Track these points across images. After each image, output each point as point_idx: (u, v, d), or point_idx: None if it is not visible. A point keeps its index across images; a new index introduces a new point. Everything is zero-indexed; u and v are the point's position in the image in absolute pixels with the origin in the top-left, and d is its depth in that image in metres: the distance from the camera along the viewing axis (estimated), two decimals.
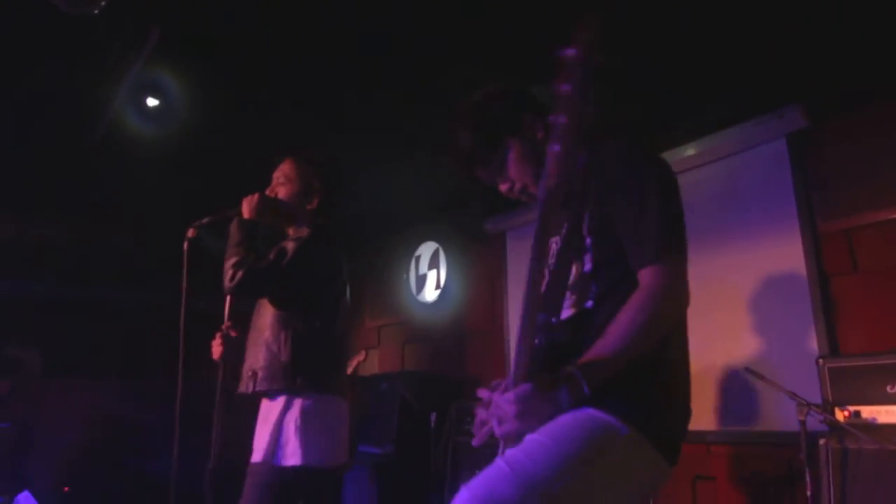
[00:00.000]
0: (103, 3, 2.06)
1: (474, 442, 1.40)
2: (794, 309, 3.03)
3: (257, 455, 2.10)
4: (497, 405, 1.22)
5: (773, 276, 3.15)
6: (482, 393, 1.39)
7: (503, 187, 1.50)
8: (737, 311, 3.23)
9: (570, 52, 1.06)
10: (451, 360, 5.02)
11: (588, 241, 1.33)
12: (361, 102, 3.39)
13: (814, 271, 2.99)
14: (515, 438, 1.21)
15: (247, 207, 2.19)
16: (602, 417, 1.19)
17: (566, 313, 1.35)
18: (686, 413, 1.34)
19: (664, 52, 2.91)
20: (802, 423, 2.47)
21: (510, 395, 1.19)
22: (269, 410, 2.14)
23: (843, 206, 2.97)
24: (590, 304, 1.33)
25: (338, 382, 2.20)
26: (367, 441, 4.50)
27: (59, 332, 6.92)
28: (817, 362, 2.60)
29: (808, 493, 2.41)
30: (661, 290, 1.23)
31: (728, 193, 3.40)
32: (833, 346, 2.88)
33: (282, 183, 2.31)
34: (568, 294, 1.35)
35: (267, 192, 2.29)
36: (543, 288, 1.30)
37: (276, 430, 2.08)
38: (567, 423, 1.18)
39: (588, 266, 1.33)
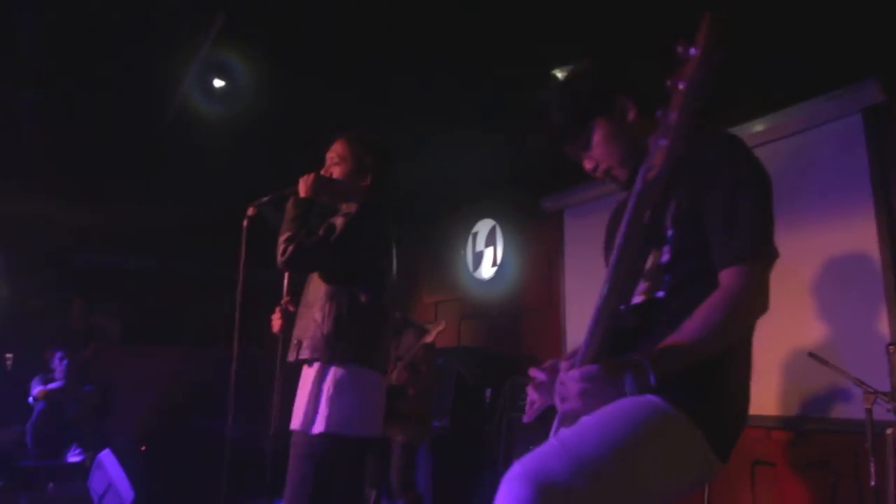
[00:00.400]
0: None
1: (525, 419, 1.44)
2: (864, 293, 2.90)
3: (295, 422, 2.18)
4: (562, 382, 1.24)
5: (842, 257, 3.02)
6: (534, 372, 1.41)
7: (588, 165, 1.49)
8: (803, 293, 3.12)
9: (692, 50, 1.03)
10: (506, 336, 5.05)
11: (670, 231, 1.31)
12: (421, 80, 3.42)
13: (887, 253, 2.85)
14: (573, 418, 1.22)
15: (303, 186, 2.26)
16: (660, 405, 1.19)
17: (636, 300, 1.34)
18: (743, 413, 1.32)
19: (733, 24, 2.80)
20: (869, 411, 2.38)
21: (576, 373, 1.21)
22: (307, 379, 2.21)
23: None
24: (661, 294, 1.31)
25: (376, 356, 2.25)
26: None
27: (138, 302, 7.34)
28: (887, 349, 2.49)
29: (873, 484, 2.34)
30: (741, 294, 1.21)
31: (798, 171, 3.26)
32: None
33: (336, 163, 2.36)
34: (640, 281, 1.34)
35: (322, 172, 2.35)
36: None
37: (311, 398, 2.15)
38: (624, 406, 1.18)
39: (666, 257, 1.31)
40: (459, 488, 4.28)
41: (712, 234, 1.27)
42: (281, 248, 2.15)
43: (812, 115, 3.18)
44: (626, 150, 1.41)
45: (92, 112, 3.85)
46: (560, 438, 1.16)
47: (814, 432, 3.01)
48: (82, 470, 4.78)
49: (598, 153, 1.44)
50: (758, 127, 3.34)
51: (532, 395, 1.43)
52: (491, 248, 5.34)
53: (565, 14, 2.79)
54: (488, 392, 4.21)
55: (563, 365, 1.30)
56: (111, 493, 3.78)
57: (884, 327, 2.81)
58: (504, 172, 4.88)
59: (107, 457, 4.00)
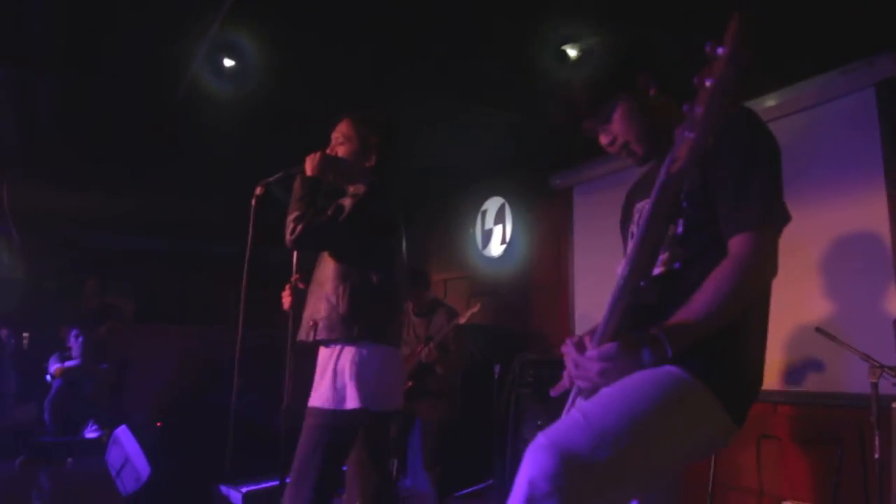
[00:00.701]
0: None
1: (553, 392, 1.45)
2: (872, 268, 2.90)
3: (316, 400, 2.22)
4: (577, 364, 1.28)
5: (852, 233, 3.02)
6: (565, 350, 1.41)
7: (604, 140, 1.50)
8: (811, 269, 3.13)
9: (720, 49, 1.03)
10: (515, 314, 5.08)
11: (684, 204, 1.33)
12: (431, 59, 3.41)
13: None
14: (593, 391, 1.26)
15: (309, 165, 2.28)
16: (678, 374, 1.22)
17: (654, 271, 1.35)
18: (759, 379, 1.35)
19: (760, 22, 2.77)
20: (875, 385, 2.41)
21: (594, 353, 1.24)
22: (328, 358, 2.25)
23: None
24: (678, 265, 1.34)
25: (392, 332, 2.30)
26: None
27: (151, 282, 7.42)
28: (894, 324, 2.50)
29: (877, 457, 2.37)
30: (749, 261, 1.23)
31: (809, 146, 3.24)
32: None
33: (341, 142, 2.38)
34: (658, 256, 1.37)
35: (327, 152, 2.36)
36: (632, 246, 1.32)
37: (334, 376, 2.19)
38: (645, 378, 1.21)
39: (680, 228, 1.34)
40: (469, 462, 4.35)
41: (721, 203, 1.29)
42: (290, 227, 2.18)
43: (824, 89, 3.15)
44: (644, 127, 1.43)
45: (102, 94, 3.87)
46: (583, 411, 1.19)
47: (819, 406, 3.03)
48: (99, 445, 4.88)
49: (616, 128, 1.46)
50: (769, 102, 3.32)
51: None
52: (500, 226, 5.36)
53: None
54: (497, 368, 4.25)
55: (586, 341, 1.31)
56: (128, 467, 3.88)
57: (891, 302, 2.82)
58: (513, 150, 4.87)
59: (123, 433, 4.09)
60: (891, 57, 2.87)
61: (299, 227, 2.16)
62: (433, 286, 6.13)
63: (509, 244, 5.22)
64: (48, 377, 5.63)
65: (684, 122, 1.09)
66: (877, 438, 2.36)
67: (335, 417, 2.14)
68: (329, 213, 2.21)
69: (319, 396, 2.21)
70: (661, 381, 1.21)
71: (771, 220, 1.26)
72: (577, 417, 1.18)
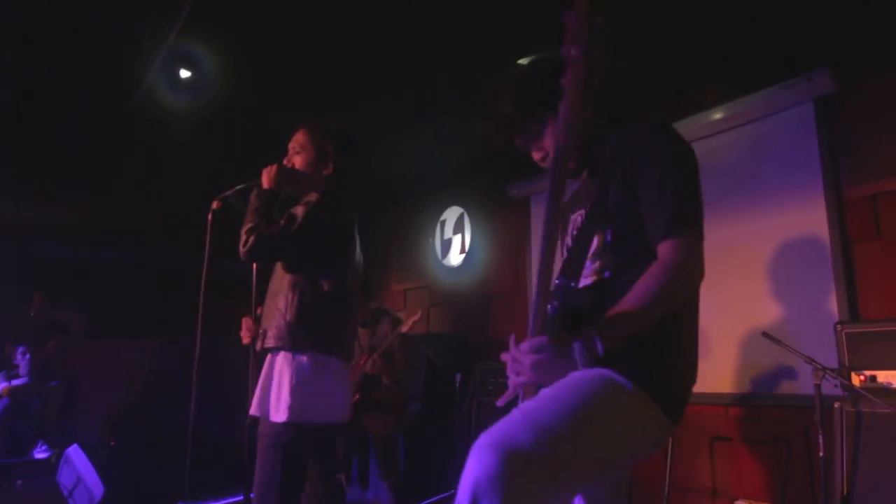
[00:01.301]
0: None
1: (498, 402, 1.49)
2: (814, 274, 3.04)
3: (254, 409, 2.20)
4: (514, 359, 1.31)
5: (795, 241, 3.16)
6: (504, 356, 1.48)
7: (537, 156, 1.55)
8: (757, 275, 3.25)
9: (571, 14, 1.12)
10: (475, 322, 5.12)
11: (612, 214, 1.39)
12: (387, 69, 3.43)
13: (836, 237, 2.99)
14: (532, 391, 1.30)
15: (266, 178, 2.27)
16: (610, 375, 1.27)
17: (586, 281, 1.42)
18: (691, 377, 1.41)
19: (691, 15, 2.88)
20: (818, 386, 2.52)
21: (525, 344, 1.28)
22: (271, 366, 2.24)
23: (869, 171, 2.95)
24: (608, 274, 1.40)
25: (340, 343, 2.28)
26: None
27: (100, 295, 7.20)
28: (835, 327, 2.63)
29: (821, 455, 2.47)
30: (676, 264, 1.30)
31: (754, 157, 3.38)
32: (853, 312, 2.89)
33: (297, 152, 2.38)
34: (588, 263, 1.42)
35: (284, 162, 2.36)
36: (565, 254, 1.37)
37: (274, 386, 2.17)
38: (579, 378, 1.26)
39: (609, 237, 1.40)
40: (432, 471, 4.36)
41: (645, 212, 1.36)
42: (243, 238, 2.17)
43: (768, 103, 3.29)
44: (575, 142, 1.47)
45: (54, 103, 3.77)
46: (521, 409, 1.23)
47: (768, 408, 3.15)
48: (49, 466, 4.71)
49: (547, 144, 1.50)
50: (716, 115, 3.45)
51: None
52: (459, 236, 5.40)
53: (531, 4, 2.83)
54: (458, 377, 4.28)
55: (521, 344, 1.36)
56: (81, 487, 3.76)
57: (832, 307, 2.95)
58: (471, 161, 4.92)
59: (75, 452, 3.97)
60: (828, 73, 3.02)
61: (251, 239, 2.15)
62: (393, 296, 6.14)
63: (468, 253, 5.27)
64: None
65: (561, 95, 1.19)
66: (821, 437, 2.47)
67: (281, 432, 2.12)
68: (281, 222, 2.20)
69: (260, 406, 2.19)
70: (595, 381, 1.26)
71: (692, 223, 1.33)
72: (516, 416, 1.21)
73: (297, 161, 2.38)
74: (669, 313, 1.32)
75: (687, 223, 1.32)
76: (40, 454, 5.13)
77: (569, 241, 1.55)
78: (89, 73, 3.29)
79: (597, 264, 1.42)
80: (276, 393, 2.16)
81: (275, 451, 2.11)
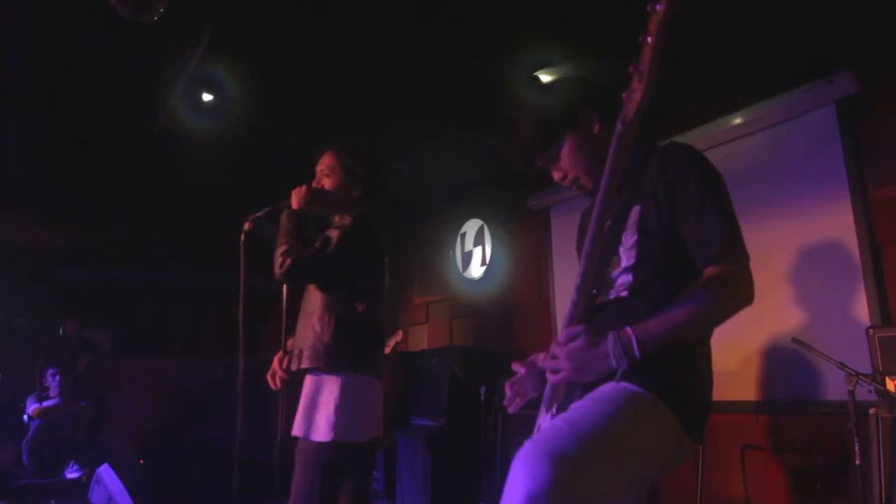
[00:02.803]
0: (161, 10, 2.19)
1: (510, 410, 1.54)
2: (843, 278, 3.00)
3: (297, 430, 2.22)
4: (553, 353, 1.32)
5: (822, 245, 3.12)
6: (516, 366, 1.51)
7: (556, 176, 1.57)
8: (785, 281, 3.21)
9: (658, 5, 1.14)
10: (498, 334, 5.11)
11: (635, 236, 1.40)
12: (408, 85, 3.46)
13: (865, 240, 2.95)
14: (561, 397, 1.33)
15: (296, 199, 2.30)
16: (640, 391, 1.28)
17: (605, 297, 1.43)
18: (709, 397, 1.43)
19: (711, 19, 2.88)
20: (852, 392, 2.47)
21: (563, 335, 1.30)
22: (310, 387, 2.26)
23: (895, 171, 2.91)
24: (625, 293, 1.41)
25: (375, 363, 2.31)
26: (420, 413, 4.66)
27: (127, 315, 7.32)
28: (867, 332, 2.59)
29: (858, 463, 2.42)
30: (733, 280, 1.30)
31: (776, 162, 3.35)
32: (885, 316, 2.84)
33: (326, 175, 2.39)
34: (609, 279, 1.43)
35: (313, 185, 2.38)
36: (583, 263, 1.38)
37: (314, 406, 2.20)
38: (608, 391, 1.28)
39: (631, 260, 1.40)
40: (456, 486, 4.34)
41: (690, 239, 1.35)
42: (278, 261, 2.19)
43: (788, 107, 3.27)
44: (591, 161, 1.49)
45: (77, 128, 3.86)
46: (564, 420, 1.24)
47: (800, 415, 3.10)
48: (81, 486, 4.77)
49: (565, 164, 1.53)
50: (736, 120, 3.43)
51: (508, 389, 1.53)
52: (479, 248, 5.40)
53: (549, 18, 2.85)
54: (482, 390, 4.27)
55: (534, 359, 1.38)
56: None
57: (863, 311, 2.90)
58: (490, 173, 4.94)
59: (106, 471, 4.01)
60: (849, 75, 2.99)
61: (288, 261, 2.17)
62: (415, 309, 6.16)
63: (489, 265, 5.27)
64: (25, 417, 5.50)
65: (630, 82, 1.20)
66: (856, 445, 2.42)
67: (314, 449, 2.14)
68: (317, 245, 2.23)
69: (302, 426, 2.22)
70: (623, 394, 1.27)
71: (743, 249, 1.33)
72: (559, 425, 1.22)
73: (326, 183, 2.39)
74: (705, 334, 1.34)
75: (738, 247, 1.32)
76: (72, 474, 5.21)
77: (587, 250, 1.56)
78: (114, 99, 3.37)
79: (613, 285, 1.43)
80: (318, 413, 2.19)
81: (314, 469, 2.13)
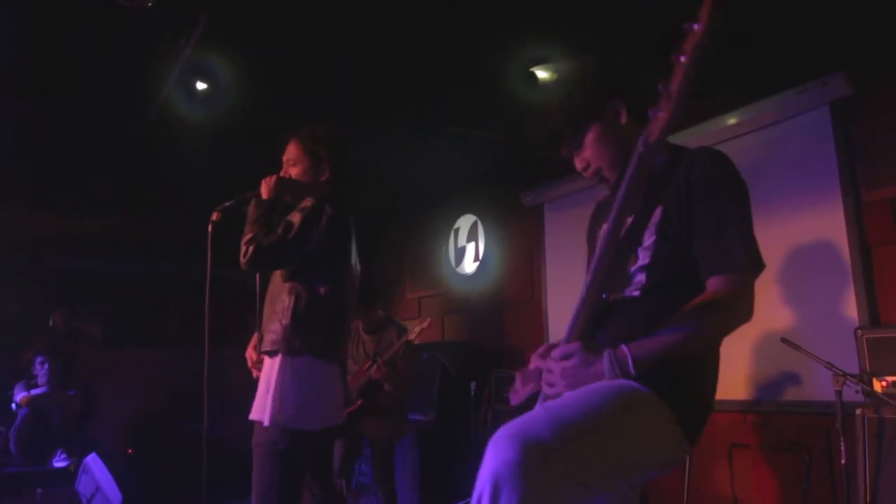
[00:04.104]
0: None
1: (513, 401, 1.50)
2: (833, 279, 3.01)
3: (253, 413, 2.21)
4: (549, 369, 1.32)
5: (812, 245, 3.13)
6: (533, 359, 1.45)
7: (579, 165, 1.55)
8: (775, 281, 3.23)
9: (696, 25, 1.09)
10: (489, 330, 5.12)
11: (652, 237, 1.38)
12: (402, 80, 3.45)
13: (855, 241, 2.96)
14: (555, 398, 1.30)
15: (265, 188, 2.31)
16: (638, 387, 1.27)
17: (614, 297, 1.41)
18: (711, 401, 1.41)
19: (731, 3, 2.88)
20: (839, 392, 2.48)
21: (557, 351, 1.30)
22: (267, 370, 2.25)
23: (887, 174, 2.92)
24: (637, 293, 1.39)
25: (334, 347, 2.29)
26: (410, 408, 4.66)
27: (116, 305, 7.29)
28: (855, 333, 2.60)
29: (843, 462, 2.44)
30: (729, 301, 1.29)
31: (769, 162, 3.36)
32: (874, 317, 2.86)
33: (292, 164, 2.40)
34: (620, 279, 1.42)
35: (281, 174, 2.39)
36: (594, 265, 1.36)
37: (268, 389, 2.18)
38: (604, 384, 1.27)
39: (645, 260, 1.39)
40: (446, 480, 4.35)
41: (702, 245, 1.33)
42: (243, 249, 2.20)
43: (782, 108, 3.27)
44: (616, 152, 1.47)
45: (71, 117, 3.83)
46: (544, 406, 1.24)
47: (787, 415, 3.12)
48: (68, 475, 4.75)
49: (589, 154, 1.50)
50: (731, 120, 3.44)
51: (518, 381, 1.50)
52: (473, 244, 5.40)
53: (544, 14, 2.85)
54: (473, 385, 4.27)
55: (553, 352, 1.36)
56: (99, 496, 3.79)
57: (852, 312, 2.92)
58: (484, 168, 4.94)
59: (93, 460, 4.00)
60: (843, 77, 3.00)
61: (251, 249, 2.18)
62: (407, 304, 6.16)
63: (482, 261, 5.27)
64: (13, 406, 5.48)
65: (658, 102, 1.14)
66: (842, 444, 2.44)
67: (278, 440, 2.12)
68: (279, 231, 2.22)
69: (256, 409, 2.21)
70: (620, 388, 1.26)
71: (753, 265, 1.32)
72: (538, 411, 1.22)
73: (293, 172, 2.40)
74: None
75: (749, 262, 1.31)
76: (59, 463, 5.18)
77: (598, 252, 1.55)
78: (108, 87, 3.34)
79: (626, 283, 1.41)
80: (272, 397, 2.16)
81: (272, 460, 2.12)
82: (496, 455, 1.11)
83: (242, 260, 2.20)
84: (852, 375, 2.49)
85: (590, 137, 1.49)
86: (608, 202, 1.65)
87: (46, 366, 5.53)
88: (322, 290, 2.25)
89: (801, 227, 3.17)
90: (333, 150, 2.42)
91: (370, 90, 3.57)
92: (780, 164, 3.32)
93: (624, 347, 1.25)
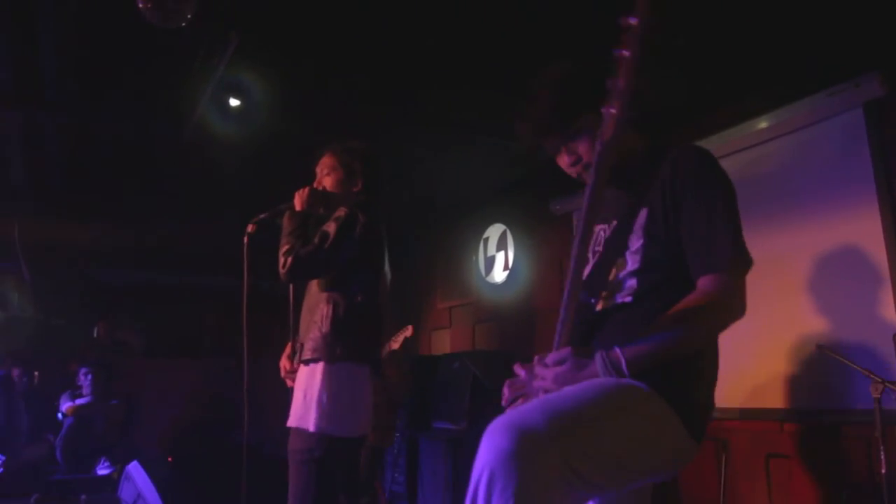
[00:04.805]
0: (189, 17, 2.26)
1: (504, 402, 1.48)
2: (869, 284, 2.94)
3: (291, 420, 2.26)
4: (539, 377, 1.31)
5: (848, 249, 3.06)
6: (517, 368, 1.46)
7: (567, 160, 1.48)
8: (811, 286, 3.16)
9: (633, 19, 1.08)
10: (520, 339, 5.11)
11: (641, 240, 1.36)
12: (430, 92, 3.51)
13: (892, 244, 2.88)
14: None
15: (298, 200, 2.38)
16: (635, 383, 1.26)
17: (606, 304, 1.41)
18: (712, 397, 1.39)
19: (736, 23, 2.86)
20: (877, 400, 2.43)
21: (550, 358, 1.29)
22: (305, 377, 2.29)
23: None
24: (629, 299, 1.38)
25: (373, 353, 2.35)
26: (441, 417, 4.68)
27: (159, 316, 7.48)
28: (894, 338, 2.54)
29: (883, 472, 2.38)
30: (721, 300, 1.28)
31: (802, 167, 3.30)
32: None
33: (326, 174, 2.48)
34: (610, 285, 1.41)
35: (314, 185, 2.46)
36: (589, 268, 1.37)
37: (307, 395, 2.22)
38: (602, 380, 1.26)
39: (636, 264, 1.37)
40: None
41: (691, 244, 1.32)
42: (281, 261, 2.25)
43: (815, 110, 3.21)
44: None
45: (109, 132, 3.98)
46: (540, 398, 1.24)
47: (826, 423, 3.04)
48: (111, 482, 4.89)
49: (582, 148, 1.44)
50: (762, 124, 3.39)
51: (506, 390, 1.48)
52: (502, 252, 5.41)
53: (571, 24, 2.86)
54: None
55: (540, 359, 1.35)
56: (141, 502, 3.89)
57: (890, 317, 2.84)
58: (513, 177, 4.96)
59: (135, 468, 4.11)
60: (876, 77, 2.94)
61: (289, 260, 2.23)
62: (438, 314, 6.19)
63: (512, 270, 5.27)
64: (59, 415, 5.67)
65: (608, 98, 1.13)
66: (882, 453, 2.38)
67: (315, 447, 2.16)
68: (315, 241, 2.28)
69: (294, 416, 2.25)
70: (617, 383, 1.24)
71: (742, 262, 1.30)
72: (533, 402, 1.21)
73: (327, 182, 2.48)
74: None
75: (736, 260, 1.30)
76: (103, 470, 5.34)
77: (590, 255, 1.51)
78: (145, 103, 3.47)
79: (616, 290, 1.39)
80: (316, 403, 2.20)
81: (308, 468, 2.16)
82: (490, 445, 1.09)
83: (282, 271, 2.25)
84: (891, 382, 2.43)
85: (583, 127, 1.42)
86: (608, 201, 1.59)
87: (90, 376, 5.71)
88: (359, 298, 2.31)
89: (836, 232, 3.10)
90: (367, 163, 2.49)
91: (398, 102, 3.63)
92: (812, 168, 3.26)
93: (617, 349, 1.24)
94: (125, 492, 4.11)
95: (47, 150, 4.22)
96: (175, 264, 7.37)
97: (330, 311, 2.27)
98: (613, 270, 1.40)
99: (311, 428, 2.17)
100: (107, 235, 6.34)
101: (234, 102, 3.23)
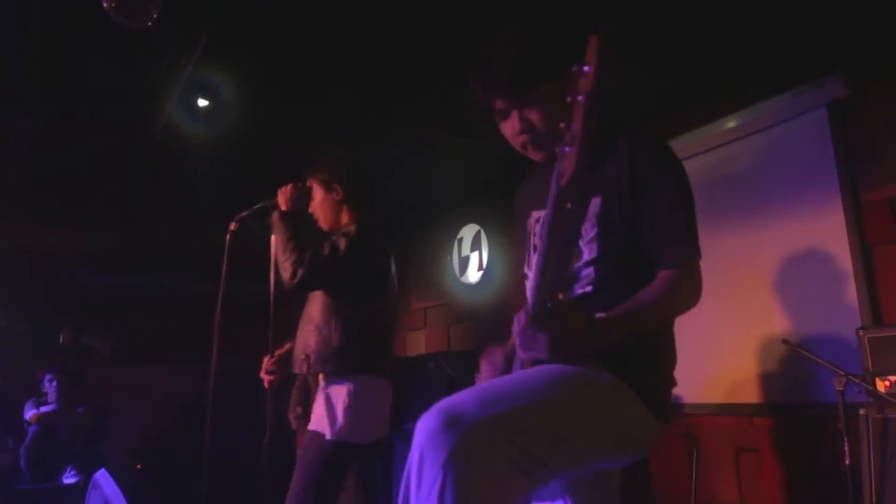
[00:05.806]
0: (155, 16, 2.22)
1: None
2: (834, 280, 3.01)
3: (313, 424, 2.28)
4: (522, 331, 1.25)
5: (814, 247, 3.13)
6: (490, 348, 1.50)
7: (517, 126, 1.40)
8: (777, 283, 3.22)
9: (585, 67, 1.04)
10: (495, 339, 5.10)
11: (595, 228, 1.37)
12: (403, 91, 3.49)
13: (856, 241, 2.96)
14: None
15: (283, 199, 2.35)
16: (589, 369, 1.25)
17: (568, 295, 1.40)
18: (671, 377, 1.42)
19: (702, 24, 2.90)
20: (841, 393, 2.48)
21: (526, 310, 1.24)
22: (324, 388, 2.30)
23: (886, 174, 2.92)
24: (590, 289, 1.38)
25: (385, 365, 2.36)
26: (416, 418, 4.65)
27: (126, 321, 7.34)
28: (857, 333, 2.60)
29: (847, 463, 2.43)
30: (685, 286, 1.33)
31: (768, 165, 3.37)
32: (876, 317, 2.85)
33: (317, 205, 2.51)
34: (573, 274, 1.41)
35: (310, 210, 2.49)
36: (536, 258, 1.36)
37: (328, 407, 2.24)
38: (551, 367, 1.23)
39: (593, 254, 1.38)
40: None
41: (654, 236, 1.35)
42: (289, 270, 2.22)
43: (781, 110, 3.29)
44: (558, 125, 1.29)
45: (76, 135, 3.88)
46: (478, 385, 1.25)
47: (794, 417, 3.11)
48: (78, 491, 4.78)
49: (536, 117, 1.37)
50: (730, 123, 3.46)
51: (484, 370, 1.54)
52: (476, 253, 5.42)
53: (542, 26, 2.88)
54: None
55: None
56: None
57: (854, 313, 2.91)
58: (486, 177, 4.96)
59: (103, 476, 4.01)
60: (839, 78, 3.02)
61: (300, 271, 2.20)
62: (413, 315, 6.17)
63: (486, 270, 5.29)
64: (25, 423, 5.52)
65: (563, 139, 1.08)
66: (846, 445, 2.43)
67: (327, 448, 2.18)
68: (325, 252, 2.26)
69: (315, 423, 2.27)
70: (566, 369, 1.22)
71: (699, 254, 1.35)
72: (470, 388, 1.20)
73: (315, 203, 2.50)
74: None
75: (694, 252, 1.34)
76: (69, 479, 5.21)
77: (536, 241, 1.50)
78: (113, 104, 3.40)
79: (578, 278, 1.39)
80: (327, 413, 2.23)
81: (314, 465, 2.18)
82: (420, 428, 1.09)
83: (291, 280, 2.23)
84: (855, 375, 2.48)
85: (542, 95, 1.35)
86: (534, 195, 1.56)
87: (55, 383, 5.57)
88: (366, 310, 2.31)
89: (801, 229, 3.17)
90: (346, 174, 2.50)
91: (370, 102, 3.61)
92: (778, 167, 3.33)
93: (594, 317, 1.24)
94: (92, 500, 4.01)
95: (11, 152, 4.11)
96: (146, 268, 7.24)
97: (339, 324, 2.27)
98: (570, 259, 1.38)
99: (330, 435, 2.19)
100: (74, 240, 6.20)
101: (202, 103, 3.18)
